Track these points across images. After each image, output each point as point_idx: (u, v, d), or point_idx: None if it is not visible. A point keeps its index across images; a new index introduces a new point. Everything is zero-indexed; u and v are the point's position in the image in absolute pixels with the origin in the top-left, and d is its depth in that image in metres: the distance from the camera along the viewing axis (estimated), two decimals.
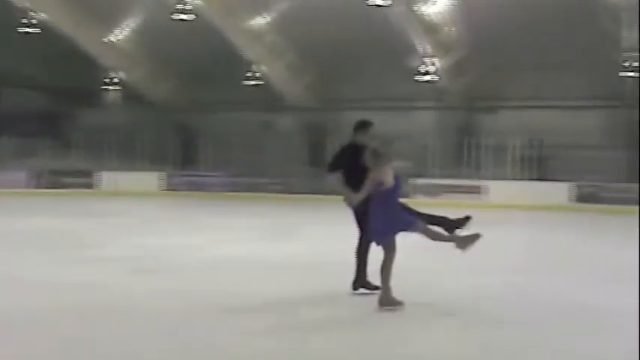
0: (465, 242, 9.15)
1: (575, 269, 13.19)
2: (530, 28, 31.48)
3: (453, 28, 33.57)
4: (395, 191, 9.01)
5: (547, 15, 30.88)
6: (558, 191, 31.41)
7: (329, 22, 33.06)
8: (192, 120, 41.52)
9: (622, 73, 31.91)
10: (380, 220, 8.95)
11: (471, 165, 34.54)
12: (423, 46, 33.40)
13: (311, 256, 14.25)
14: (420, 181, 32.79)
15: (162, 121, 41.13)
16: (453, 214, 9.83)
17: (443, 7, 32.49)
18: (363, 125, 10.21)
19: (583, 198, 31.18)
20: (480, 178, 33.21)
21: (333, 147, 36.44)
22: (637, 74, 31.86)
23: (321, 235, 19.19)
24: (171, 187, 37.02)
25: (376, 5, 29.89)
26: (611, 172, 32.72)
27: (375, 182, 8.94)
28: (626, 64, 31.37)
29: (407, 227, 8.96)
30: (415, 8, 31.70)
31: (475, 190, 31.96)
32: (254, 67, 37.36)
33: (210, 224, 21.72)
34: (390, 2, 29.90)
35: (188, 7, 32.65)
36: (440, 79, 34.96)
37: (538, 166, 34.37)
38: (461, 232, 9.50)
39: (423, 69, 34.03)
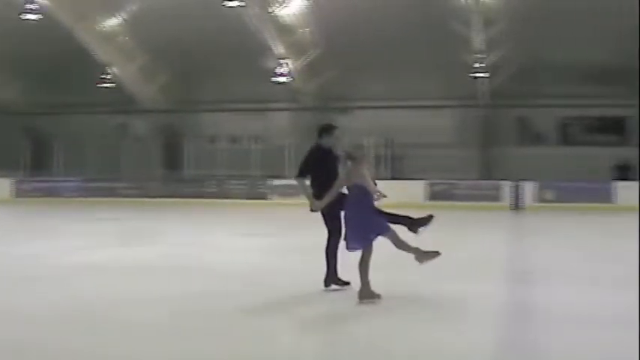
0: (424, 257, 9.53)
1: (437, 264, 13.39)
2: (383, 29, 31.98)
3: (307, 30, 33.77)
4: (370, 194, 9.34)
5: (399, 16, 31.43)
6: (413, 189, 32.00)
7: (182, 22, 32.70)
8: (43, 123, 40.31)
9: (473, 74, 32.83)
10: (358, 227, 9.28)
11: None
12: (277, 47, 33.47)
13: (177, 258, 14.06)
14: (277, 182, 32.90)
15: (11, 124, 39.80)
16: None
17: (296, 9, 32.64)
18: (328, 128, 10.66)
19: (436, 196, 31.92)
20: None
21: (189, 149, 36.56)
22: (487, 74, 32.87)
23: (183, 238, 18.95)
24: (23, 194, 35.77)
25: (230, 6, 29.70)
26: (464, 169, 33.73)
27: (342, 185, 9.57)
28: (477, 65, 32.27)
29: (382, 232, 9.30)
30: (269, 10, 31.71)
31: None
32: (107, 69, 36.53)
33: (66, 231, 21.09)
34: (244, 3, 29.81)
35: (37, 7, 31.53)
36: (294, 80, 35.14)
37: (392, 165, 34.97)
38: (424, 231, 9.95)
39: (277, 70, 34.10)
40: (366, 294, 9.24)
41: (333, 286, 10.19)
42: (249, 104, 37.61)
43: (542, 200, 31.02)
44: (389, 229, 9.35)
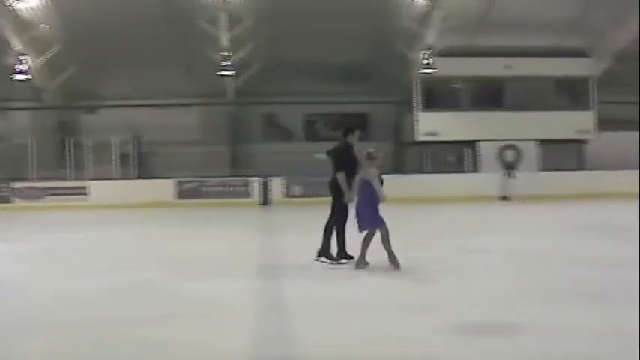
0: (395, 262, 11.50)
1: (184, 263, 13.34)
2: (127, 25, 31.46)
3: (47, 25, 32.59)
4: (376, 192, 11.47)
5: (145, 12, 31.02)
6: (161, 188, 31.80)
7: None
8: None
9: (220, 72, 32.91)
10: (368, 213, 11.42)
11: (73, 165, 33.80)
12: (16, 43, 32.09)
13: None
14: (19, 184, 31.68)
15: None
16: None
17: (36, 3, 31.43)
18: (353, 129, 13.00)
19: (186, 194, 31.88)
20: (83, 178, 32.67)
21: None
22: (234, 72, 33.08)
23: None
24: None
25: None
26: (213, 167, 33.86)
27: (361, 179, 11.60)
28: (223, 62, 32.38)
29: (379, 225, 11.45)
30: (7, 3, 30.37)
31: (79, 192, 31.39)
32: None
33: None
34: None
35: None
36: (36, 77, 33.83)
37: (140, 164, 34.54)
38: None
39: (18, 67, 32.65)
40: (394, 262, 11.49)
41: (322, 259, 12.21)
42: None
43: (290, 195, 31.72)
44: (385, 225, 11.46)
